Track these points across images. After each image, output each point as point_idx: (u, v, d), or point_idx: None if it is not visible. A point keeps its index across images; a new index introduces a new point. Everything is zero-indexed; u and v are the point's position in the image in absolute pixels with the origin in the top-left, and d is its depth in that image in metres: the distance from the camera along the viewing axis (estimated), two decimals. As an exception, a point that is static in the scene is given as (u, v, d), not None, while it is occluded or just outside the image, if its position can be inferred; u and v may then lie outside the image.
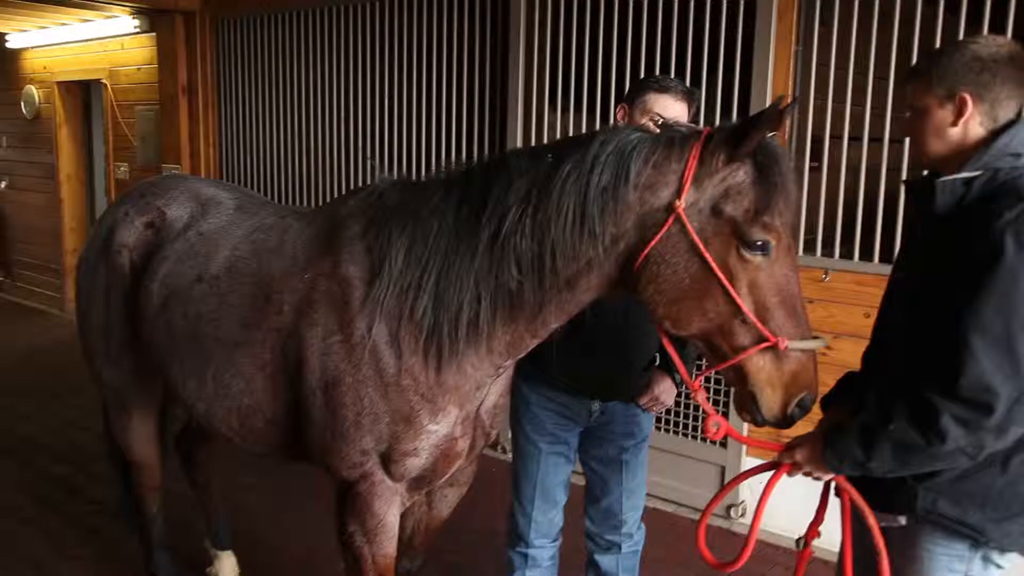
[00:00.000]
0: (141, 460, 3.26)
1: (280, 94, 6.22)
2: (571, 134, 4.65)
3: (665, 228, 1.89)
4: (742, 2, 3.96)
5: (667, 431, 4.48)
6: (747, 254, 1.85)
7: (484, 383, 2.26)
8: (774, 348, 1.84)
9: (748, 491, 4.27)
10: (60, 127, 8.56)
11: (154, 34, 7.01)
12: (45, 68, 8.56)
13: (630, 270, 1.96)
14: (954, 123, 1.90)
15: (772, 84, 3.92)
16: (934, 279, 1.89)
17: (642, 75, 4.29)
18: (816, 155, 3.98)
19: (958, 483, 1.88)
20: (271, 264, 2.47)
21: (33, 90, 8.74)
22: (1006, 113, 1.90)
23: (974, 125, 1.90)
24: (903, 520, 1.97)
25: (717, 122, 4.08)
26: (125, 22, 7.13)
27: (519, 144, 4.74)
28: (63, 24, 7.80)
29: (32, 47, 8.59)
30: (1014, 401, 1.72)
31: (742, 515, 4.29)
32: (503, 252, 2.03)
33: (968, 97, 1.88)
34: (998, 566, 1.95)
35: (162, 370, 2.76)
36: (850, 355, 3.61)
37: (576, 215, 1.96)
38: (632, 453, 2.83)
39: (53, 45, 8.29)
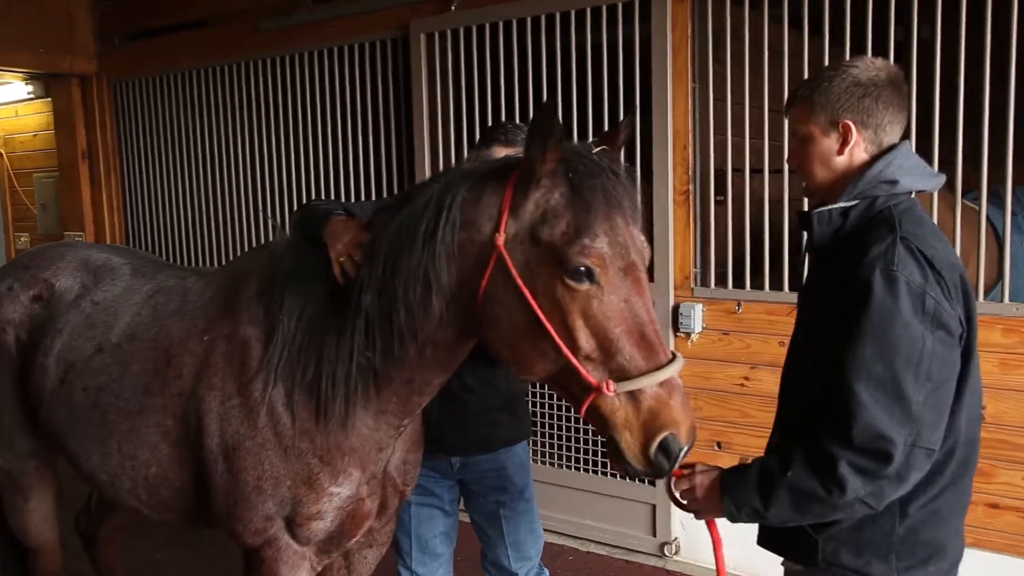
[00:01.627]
0: (40, 544, 3.08)
1: (184, 155, 6.10)
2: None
3: (491, 266, 1.82)
4: (637, 43, 4.05)
5: (593, 472, 4.47)
6: (572, 283, 1.75)
7: (386, 443, 2.22)
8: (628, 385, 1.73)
9: (681, 528, 4.27)
10: (-47, 199, 8.25)
11: (50, 99, 6.83)
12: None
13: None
14: (840, 151, 1.89)
15: (672, 122, 4.01)
16: (818, 317, 1.88)
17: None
18: (720, 189, 4.07)
19: (858, 531, 1.82)
20: (171, 327, 2.41)
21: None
22: (890, 138, 1.90)
23: (859, 152, 1.89)
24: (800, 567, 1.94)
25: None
26: (18, 88, 6.94)
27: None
28: (-47, 93, 7.56)
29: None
30: (911, 446, 1.68)
31: (676, 553, 4.28)
32: (367, 317, 2.01)
33: (852, 124, 1.87)
34: None
35: (63, 447, 2.64)
36: (770, 384, 3.68)
37: (409, 266, 1.92)
38: (510, 508, 2.80)
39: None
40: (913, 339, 1.68)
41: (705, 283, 4.08)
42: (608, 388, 1.71)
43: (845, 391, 1.70)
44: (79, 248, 2.92)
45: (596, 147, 1.87)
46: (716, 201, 4.12)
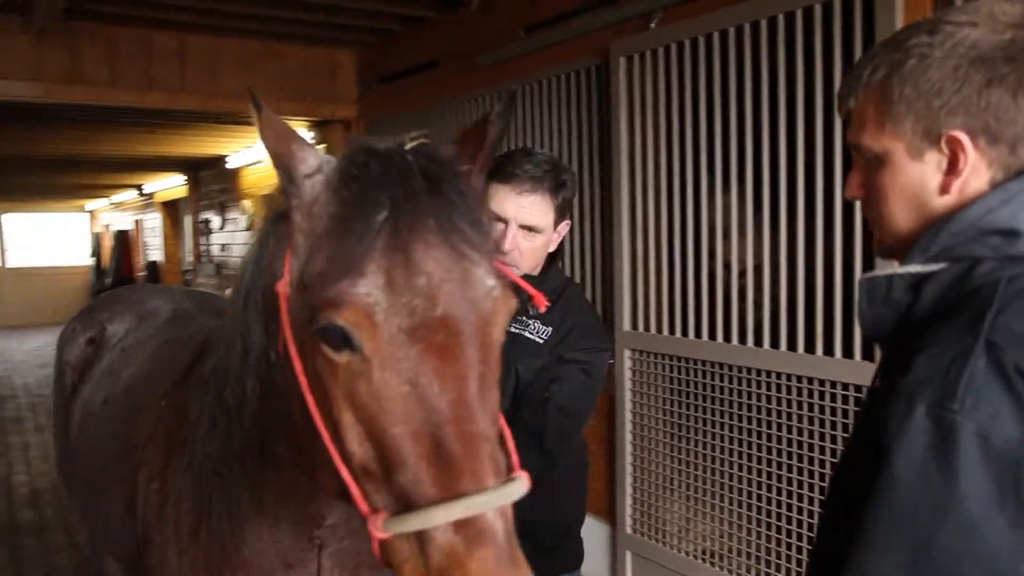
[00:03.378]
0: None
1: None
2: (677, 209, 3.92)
3: (283, 322, 1.20)
4: (858, 45, 3.08)
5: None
6: (326, 350, 1.09)
7: (298, 558, 1.61)
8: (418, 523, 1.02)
9: None
10: (264, 237, 9.04)
11: (325, 144, 7.17)
12: (254, 183, 9.16)
13: None
14: (945, 187, 1.03)
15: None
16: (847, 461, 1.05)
17: (748, 152, 3.49)
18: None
19: None
20: (156, 383, 2.06)
21: (247, 204, 9.37)
22: None
23: (977, 185, 1.02)
24: None
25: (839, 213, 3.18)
26: (303, 135, 7.39)
27: (625, 222, 4.07)
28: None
29: (245, 165, 9.25)
30: None
31: None
32: (214, 392, 1.47)
33: (966, 140, 1.01)
34: None
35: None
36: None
37: (233, 323, 1.38)
38: None
39: (258, 162, 8.85)
40: (989, 556, 0.82)
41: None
42: (375, 524, 1.03)
43: None
44: (142, 292, 2.73)
45: (421, 143, 1.20)
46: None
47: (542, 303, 1.47)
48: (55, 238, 20.82)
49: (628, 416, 4.05)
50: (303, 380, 1.14)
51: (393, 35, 6.05)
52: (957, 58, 1.00)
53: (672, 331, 3.84)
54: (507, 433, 1.20)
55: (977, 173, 1.02)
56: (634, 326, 4.05)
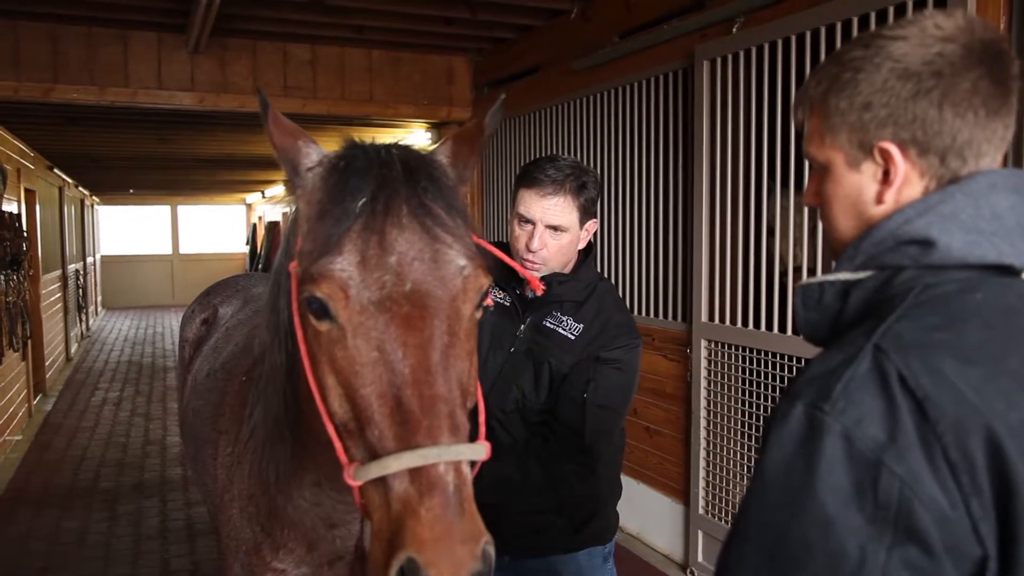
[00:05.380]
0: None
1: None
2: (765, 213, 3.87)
3: (292, 296, 1.32)
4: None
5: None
6: (312, 318, 1.21)
7: (340, 520, 1.73)
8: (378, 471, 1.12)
9: None
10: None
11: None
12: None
13: None
14: (880, 197, 1.02)
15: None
16: None
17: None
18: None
19: None
20: (241, 361, 2.25)
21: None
22: (976, 163, 0.99)
23: (911, 192, 1.01)
24: None
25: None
26: (421, 135, 7.64)
27: (705, 218, 4.05)
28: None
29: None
30: None
31: None
32: (264, 359, 1.60)
33: (896, 151, 1.00)
34: None
35: None
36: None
37: (269, 306, 1.49)
38: None
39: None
40: (838, 552, 0.82)
41: None
42: (348, 473, 1.16)
43: None
44: (254, 278, 2.95)
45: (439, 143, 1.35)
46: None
47: (538, 287, 1.57)
48: (218, 228, 22.26)
49: (702, 403, 4.04)
50: (302, 347, 1.27)
51: (504, 43, 6.17)
52: (886, 72, 0.99)
53: (746, 323, 3.80)
54: (480, 406, 1.30)
55: (910, 183, 1.01)
56: (710, 318, 4.02)
